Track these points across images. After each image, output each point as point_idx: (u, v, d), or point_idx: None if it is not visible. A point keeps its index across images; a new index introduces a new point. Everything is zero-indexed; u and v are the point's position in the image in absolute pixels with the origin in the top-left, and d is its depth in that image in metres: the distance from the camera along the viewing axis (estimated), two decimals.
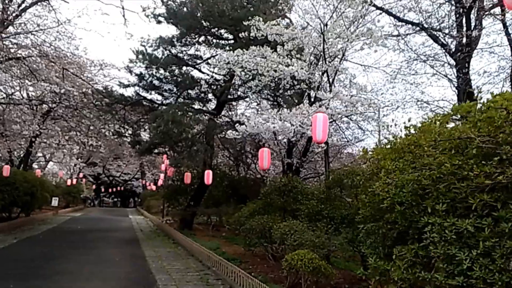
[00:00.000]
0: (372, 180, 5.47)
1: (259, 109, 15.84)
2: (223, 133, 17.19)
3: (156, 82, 18.69)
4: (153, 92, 19.22)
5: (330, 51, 10.21)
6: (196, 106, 19.11)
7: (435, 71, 13.84)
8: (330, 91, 9.62)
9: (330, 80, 10.00)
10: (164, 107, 17.67)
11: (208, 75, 19.53)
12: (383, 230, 4.61)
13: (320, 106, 8.60)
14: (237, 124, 21.08)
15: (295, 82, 12.47)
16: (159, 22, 17.81)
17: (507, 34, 11.39)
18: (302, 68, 9.62)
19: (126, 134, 22.06)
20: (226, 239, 17.29)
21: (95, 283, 8.46)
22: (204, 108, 19.59)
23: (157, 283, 8.54)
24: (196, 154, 16.85)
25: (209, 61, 19.90)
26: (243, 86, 19.77)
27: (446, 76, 13.36)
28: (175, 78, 19.18)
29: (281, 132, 9.46)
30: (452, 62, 12.54)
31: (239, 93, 19.96)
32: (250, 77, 11.43)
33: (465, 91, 11.14)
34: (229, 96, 19.86)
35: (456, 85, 12.24)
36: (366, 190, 5.26)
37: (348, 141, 21.75)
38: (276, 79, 12.88)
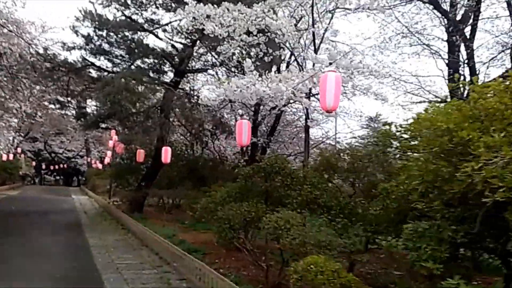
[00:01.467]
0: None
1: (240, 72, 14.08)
2: (183, 106, 15.34)
3: (106, 46, 16.37)
4: (102, 58, 16.86)
5: (319, 10, 8.65)
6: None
7: (423, 46, 12.55)
8: (316, 55, 8.07)
9: (317, 43, 8.47)
10: (114, 75, 15.46)
11: (167, 41, 17.43)
12: None
13: (315, 72, 7.02)
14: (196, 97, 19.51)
15: (271, 50, 10.83)
16: None
17: (509, 5, 10.33)
18: (291, 25, 7.99)
19: (70, 106, 19.60)
20: (183, 223, 15.64)
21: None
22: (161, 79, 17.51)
23: (104, 286, 6.76)
24: (150, 129, 14.88)
25: (168, 27, 18.04)
26: (207, 54, 17.95)
27: (436, 53, 12.17)
28: (128, 43, 16.96)
29: (272, 99, 7.81)
30: (445, 36, 11.42)
31: (200, 64, 18.11)
32: (223, 37, 9.58)
33: (468, 65, 10.02)
34: (189, 67, 17.92)
35: (447, 62, 11.13)
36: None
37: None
38: (247, 46, 11.20)
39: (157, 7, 17.59)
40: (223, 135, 20.32)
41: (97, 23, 15.55)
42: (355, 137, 16.32)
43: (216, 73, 19.34)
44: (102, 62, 17.14)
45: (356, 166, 7.59)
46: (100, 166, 39.25)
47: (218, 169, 19.74)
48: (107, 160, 29.94)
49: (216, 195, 8.80)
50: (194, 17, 9.09)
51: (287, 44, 9.34)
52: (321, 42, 8.64)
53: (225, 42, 10.81)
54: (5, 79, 18.51)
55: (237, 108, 21.66)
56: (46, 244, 10.47)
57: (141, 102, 13.85)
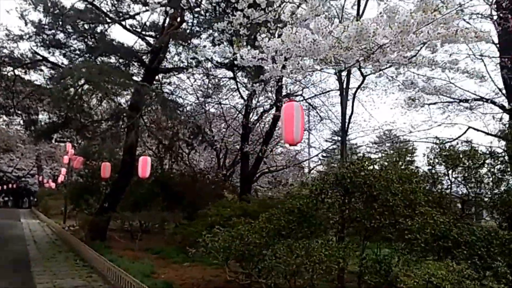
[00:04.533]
0: None
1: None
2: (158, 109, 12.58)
3: (61, 36, 13.40)
4: (57, 52, 13.85)
5: None
6: None
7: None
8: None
9: None
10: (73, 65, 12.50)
11: (137, 34, 14.68)
12: None
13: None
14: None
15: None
16: None
17: None
18: None
19: (17, 112, 16.32)
20: (156, 253, 12.74)
21: None
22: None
23: None
24: (117, 136, 12.03)
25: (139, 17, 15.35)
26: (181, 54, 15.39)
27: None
28: (89, 36, 14.12)
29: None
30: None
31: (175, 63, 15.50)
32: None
33: None
34: (163, 66, 15.27)
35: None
36: None
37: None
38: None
39: None
40: (200, 146, 17.70)
41: (50, 11, 12.62)
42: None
43: (193, 74, 16.78)
44: (57, 58, 14.14)
45: None
46: (53, 185, 35.77)
47: (196, 186, 16.97)
48: (61, 178, 27.27)
49: (248, 228, 6.06)
50: None
51: None
52: None
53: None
54: None
55: (212, 116, 19.18)
56: None
57: (107, 101, 11.00)
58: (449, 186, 7.80)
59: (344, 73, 8.94)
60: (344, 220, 5.75)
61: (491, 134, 8.44)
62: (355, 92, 10.10)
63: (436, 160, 7.93)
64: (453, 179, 7.77)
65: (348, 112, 8.91)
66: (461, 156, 7.42)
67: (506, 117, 10.38)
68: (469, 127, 10.53)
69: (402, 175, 5.76)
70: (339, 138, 25.21)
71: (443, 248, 4.40)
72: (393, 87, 14.33)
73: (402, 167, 7.53)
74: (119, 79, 10.44)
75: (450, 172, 7.73)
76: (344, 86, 8.78)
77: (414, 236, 4.60)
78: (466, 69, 6.60)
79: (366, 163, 5.75)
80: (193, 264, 10.61)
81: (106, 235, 15.32)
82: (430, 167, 8.10)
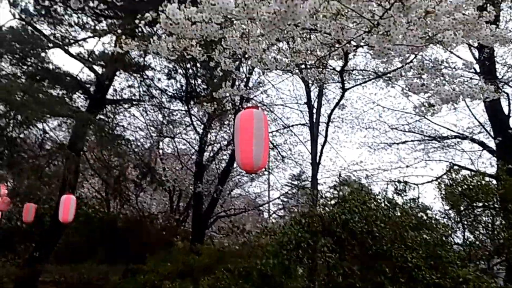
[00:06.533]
0: None
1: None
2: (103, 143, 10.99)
3: None
4: None
5: None
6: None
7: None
8: None
9: None
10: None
11: (84, 62, 13.22)
12: None
13: None
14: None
15: None
16: None
17: None
18: None
19: None
20: None
21: None
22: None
23: None
24: (51, 172, 10.29)
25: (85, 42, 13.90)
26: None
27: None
28: (26, 61, 12.53)
29: None
30: None
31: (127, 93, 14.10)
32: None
33: None
34: (109, 96, 13.80)
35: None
36: None
37: None
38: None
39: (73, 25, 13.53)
40: (150, 187, 15.95)
41: None
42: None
43: (145, 108, 15.36)
44: None
45: None
46: None
47: (144, 232, 15.07)
48: None
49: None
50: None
51: None
52: None
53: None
54: None
55: (164, 153, 17.65)
56: None
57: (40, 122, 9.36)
58: (463, 234, 6.62)
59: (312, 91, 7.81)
60: None
61: (483, 173, 7.49)
62: (331, 112, 8.88)
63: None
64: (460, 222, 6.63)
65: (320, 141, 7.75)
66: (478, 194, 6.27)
67: (485, 154, 9.61)
68: (453, 164, 9.62)
69: (418, 222, 4.33)
70: (299, 183, 24.09)
71: None
72: (361, 123, 13.56)
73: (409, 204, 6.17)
74: (50, 103, 8.86)
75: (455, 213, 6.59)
76: (315, 104, 7.63)
77: None
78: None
79: (367, 197, 4.20)
80: None
81: None
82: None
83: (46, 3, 12.42)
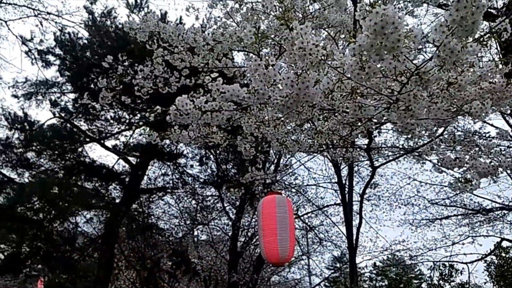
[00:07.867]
0: None
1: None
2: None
3: (31, 155, 12.13)
4: (26, 173, 12.48)
5: None
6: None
7: None
8: None
9: None
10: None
11: (119, 154, 13.59)
12: None
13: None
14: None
15: None
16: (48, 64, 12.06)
17: None
18: None
19: None
20: None
21: None
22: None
23: None
24: (84, 267, 10.15)
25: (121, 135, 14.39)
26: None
27: None
28: (63, 156, 12.97)
29: None
30: None
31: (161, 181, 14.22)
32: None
33: None
34: (143, 186, 13.92)
35: None
36: None
37: None
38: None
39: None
40: (185, 277, 15.42)
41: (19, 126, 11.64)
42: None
43: (178, 195, 15.34)
44: (26, 179, 12.72)
45: None
46: None
47: None
48: None
49: None
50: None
51: None
52: None
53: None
54: None
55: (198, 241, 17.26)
56: None
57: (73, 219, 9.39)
58: None
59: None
60: None
61: None
62: (363, 192, 8.48)
63: None
64: None
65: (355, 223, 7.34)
66: None
67: None
68: (502, 239, 8.85)
69: None
70: (341, 265, 22.84)
71: None
72: (399, 200, 12.96)
73: None
74: (84, 196, 8.96)
75: None
76: (347, 184, 7.33)
77: None
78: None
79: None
80: None
81: None
82: None
83: (85, 101, 13.18)
